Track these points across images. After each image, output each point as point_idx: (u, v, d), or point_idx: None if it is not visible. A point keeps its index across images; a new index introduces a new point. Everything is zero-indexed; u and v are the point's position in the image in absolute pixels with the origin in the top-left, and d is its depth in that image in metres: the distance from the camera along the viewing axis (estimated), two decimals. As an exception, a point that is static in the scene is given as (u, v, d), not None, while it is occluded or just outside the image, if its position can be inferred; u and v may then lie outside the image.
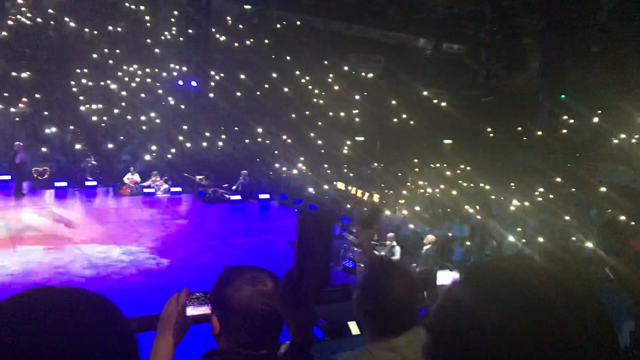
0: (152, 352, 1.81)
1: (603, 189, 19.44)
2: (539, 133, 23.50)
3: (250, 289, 1.77)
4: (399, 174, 22.09)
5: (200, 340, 1.94)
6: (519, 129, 24.65)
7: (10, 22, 24.32)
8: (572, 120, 23.69)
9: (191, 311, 1.86)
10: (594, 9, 24.76)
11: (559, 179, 19.97)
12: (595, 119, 22.92)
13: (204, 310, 1.84)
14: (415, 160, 23.08)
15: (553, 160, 22.00)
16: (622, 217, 15.15)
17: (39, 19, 24.88)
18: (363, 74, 27.42)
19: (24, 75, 23.50)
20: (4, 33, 23.99)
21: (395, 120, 25.61)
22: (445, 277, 10.57)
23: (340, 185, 21.16)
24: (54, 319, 0.93)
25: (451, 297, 1.02)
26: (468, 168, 22.29)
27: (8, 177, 19.83)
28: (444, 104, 26.13)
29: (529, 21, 25.37)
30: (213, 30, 26.85)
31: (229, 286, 1.78)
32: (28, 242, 13.58)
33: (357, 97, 25.85)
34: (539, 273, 1.05)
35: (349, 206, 18.58)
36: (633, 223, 15.61)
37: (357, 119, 25.60)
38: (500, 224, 15.70)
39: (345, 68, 26.94)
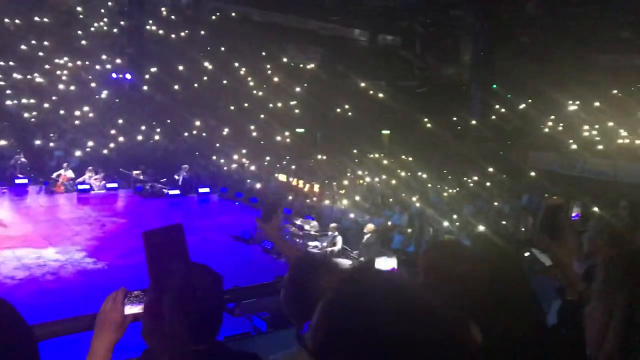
0: (90, 351, 1.81)
1: (533, 174, 20.31)
2: (473, 122, 24.23)
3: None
4: (339, 165, 22.31)
5: (139, 338, 1.94)
6: (454, 118, 25.34)
7: None
8: (503, 110, 24.56)
9: (129, 309, 1.85)
10: (523, 0, 25.69)
11: (490, 168, 20.69)
12: (525, 107, 23.91)
13: (142, 308, 1.84)
14: (355, 151, 23.36)
15: (486, 149, 22.76)
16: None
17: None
18: (302, 65, 27.45)
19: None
20: None
21: (334, 111, 25.79)
22: (383, 264, 10.77)
23: (282, 177, 21.18)
24: None
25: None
26: (406, 158, 22.75)
27: None
28: (381, 95, 26.52)
29: (461, 13, 26.04)
30: (147, 21, 26.19)
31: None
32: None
33: (296, 88, 25.85)
34: (469, 258, 1.12)
35: (290, 198, 18.63)
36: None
37: (296, 111, 25.62)
38: (437, 212, 16.14)
39: (284, 59, 26.87)
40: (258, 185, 20.29)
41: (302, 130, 25.41)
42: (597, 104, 22.38)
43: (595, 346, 1.16)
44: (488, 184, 19.64)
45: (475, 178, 20.15)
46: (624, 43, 22.96)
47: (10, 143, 21.10)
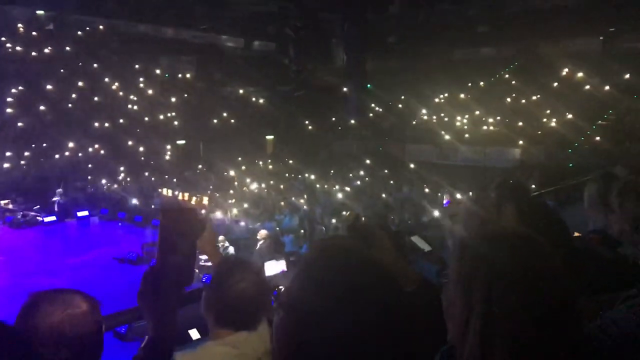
0: None
1: (412, 166, 21.32)
2: (352, 122, 25.00)
3: (60, 314, 1.67)
4: (225, 174, 22.06)
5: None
6: (333, 119, 25.99)
7: None
8: (378, 108, 25.57)
9: None
10: (387, 1, 26.90)
11: (369, 162, 21.48)
12: (398, 104, 25.06)
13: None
14: (240, 159, 23.23)
15: (366, 146, 23.58)
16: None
17: None
18: (179, 75, 26.82)
19: None
20: None
21: (215, 120, 25.47)
22: (273, 268, 10.77)
23: (167, 192, 20.55)
24: None
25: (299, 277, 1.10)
26: (291, 161, 22.97)
27: None
28: (260, 100, 26.59)
29: (331, 16, 26.76)
30: (3, 39, 24.32)
31: (36, 314, 1.66)
32: None
33: (173, 99, 25.22)
34: (352, 252, 1.16)
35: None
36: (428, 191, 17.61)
37: (175, 122, 24.98)
38: (326, 211, 16.46)
39: (157, 71, 26.11)
40: (137, 202, 19.54)
41: (183, 141, 24.83)
42: (462, 95, 23.91)
43: (458, 341, 1.21)
44: (368, 178, 20.36)
45: (360, 174, 20.81)
46: (480, 36, 24.78)
47: None
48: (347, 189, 19.38)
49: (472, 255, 1.22)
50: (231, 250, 13.72)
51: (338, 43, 26.81)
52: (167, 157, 23.49)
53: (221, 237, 13.89)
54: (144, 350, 1.67)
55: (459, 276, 1.22)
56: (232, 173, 21.93)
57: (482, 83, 24.24)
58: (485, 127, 22.63)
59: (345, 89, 26.00)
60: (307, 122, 25.47)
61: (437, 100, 24.63)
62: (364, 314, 1.02)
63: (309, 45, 26.71)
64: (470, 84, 24.09)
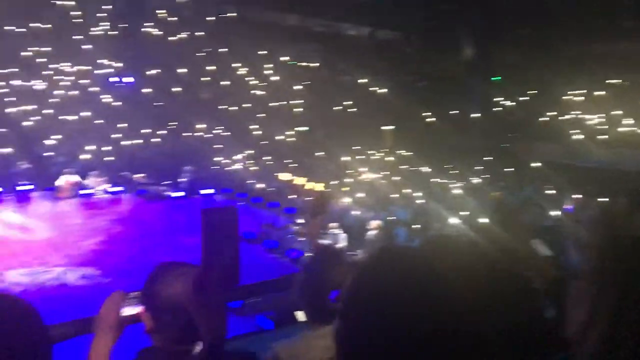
0: (90, 353, 1.84)
1: (537, 166, 20.25)
2: (474, 115, 24.19)
3: (180, 285, 1.78)
4: (342, 162, 22.30)
5: (138, 338, 1.94)
6: (455, 112, 25.29)
7: None
8: (505, 102, 24.50)
9: (127, 311, 1.87)
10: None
11: (490, 158, 20.68)
12: (527, 99, 23.83)
13: (139, 309, 1.85)
14: (357, 148, 23.34)
15: (488, 141, 22.73)
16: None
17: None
18: (301, 63, 27.41)
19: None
20: None
21: (335, 108, 25.77)
22: None
23: (285, 177, 21.18)
24: None
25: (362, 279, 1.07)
26: (408, 153, 22.72)
27: None
28: (381, 90, 26.48)
29: (458, 4, 25.93)
30: (146, 24, 26.18)
31: (159, 283, 1.79)
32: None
33: (297, 87, 25.85)
34: (465, 253, 1.11)
35: (293, 197, 18.64)
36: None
37: (298, 109, 25.61)
38: (441, 206, 16.12)
39: (283, 58, 26.84)
40: (260, 185, 20.30)
41: (304, 128, 25.40)
42: (599, 92, 22.27)
43: (578, 335, 1.13)
44: (488, 176, 19.62)
45: (479, 170, 20.13)
46: (624, 30, 22.82)
47: (14, 150, 21.16)
48: (464, 184, 18.84)
49: (608, 258, 1.14)
50: (343, 236, 13.88)
51: (464, 33, 25.92)
52: (288, 143, 24.15)
53: (334, 223, 14.09)
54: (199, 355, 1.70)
55: (593, 277, 1.15)
56: (349, 161, 22.11)
57: (621, 80, 22.40)
58: (622, 129, 20.98)
59: (469, 81, 25.15)
60: (427, 113, 24.99)
61: (569, 96, 23.14)
62: (414, 328, 0.98)
63: (435, 34, 26.11)
64: (608, 81, 22.34)
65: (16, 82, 23.16)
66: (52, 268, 12.18)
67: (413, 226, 15.20)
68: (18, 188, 19.36)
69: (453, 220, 14.83)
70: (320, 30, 27.04)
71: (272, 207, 18.23)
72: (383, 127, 26.00)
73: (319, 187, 19.43)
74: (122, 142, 22.91)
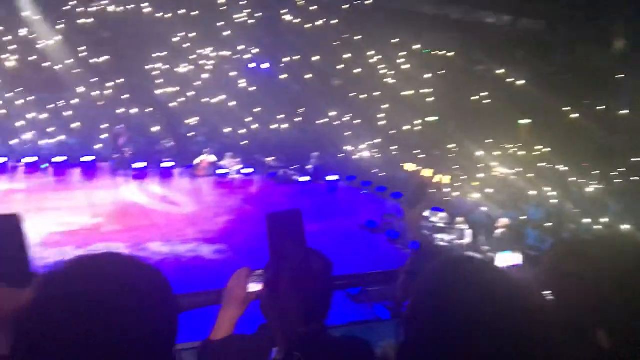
0: (217, 323, 1.95)
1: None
2: (622, 112, 22.24)
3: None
4: (472, 155, 21.57)
5: (259, 314, 2.00)
6: (600, 108, 23.42)
7: (93, 9, 25.39)
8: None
9: (252, 288, 1.94)
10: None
11: (637, 159, 18.91)
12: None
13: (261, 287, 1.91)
14: (490, 141, 22.43)
15: (635, 141, 20.80)
16: None
17: (120, 8, 25.81)
18: (436, 52, 26.79)
19: (103, 59, 24.57)
20: (88, 20, 25.09)
21: (469, 99, 24.92)
22: (506, 260, 10.18)
23: (411, 167, 20.93)
24: (108, 281, 1.01)
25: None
26: (544, 149, 21.44)
27: (92, 158, 20.99)
28: (520, 82, 25.16)
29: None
30: (285, 11, 26.95)
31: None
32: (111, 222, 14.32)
33: (429, 75, 25.32)
34: (600, 259, 1.01)
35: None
36: None
37: (429, 99, 25.12)
38: (578, 208, 15.06)
39: (417, 46, 26.38)
40: (385, 174, 20.24)
41: (434, 119, 24.88)
42: None
43: None
44: (634, 178, 17.97)
45: (623, 172, 18.53)
46: None
47: (160, 129, 22.92)
48: (604, 186, 17.43)
49: None
50: (468, 232, 13.46)
51: (615, 23, 23.83)
52: (416, 132, 23.80)
53: (460, 219, 13.70)
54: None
55: None
56: (480, 155, 21.34)
57: None
58: None
59: (618, 75, 23.11)
60: (568, 108, 23.39)
61: None
62: (474, 337, 0.96)
63: (582, 24, 24.25)
64: None
65: (165, 66, 25.01)
66: (189, 241, 13.06)
67: (545, 226, 14.35)
68: (162, 165, 20.97)
69: (590, 224, 13.82)
70: (458, 18, 26.15)
71: (395, 198, 18.12)
72: (519, 121, 24.76)
73: (446, 179, 18.99)
74: (256, 126, 23.94)
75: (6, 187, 17.64)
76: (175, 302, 1.09)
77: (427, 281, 1.06)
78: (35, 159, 20.63)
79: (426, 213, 14.76)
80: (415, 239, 2.43)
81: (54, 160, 20.70)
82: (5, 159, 20.31)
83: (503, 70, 25.24)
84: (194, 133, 23.60)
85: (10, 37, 23.30)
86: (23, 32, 23.52)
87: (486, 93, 24.64)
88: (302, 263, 1.74)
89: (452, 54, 26.10)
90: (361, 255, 11.82)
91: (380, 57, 26.28)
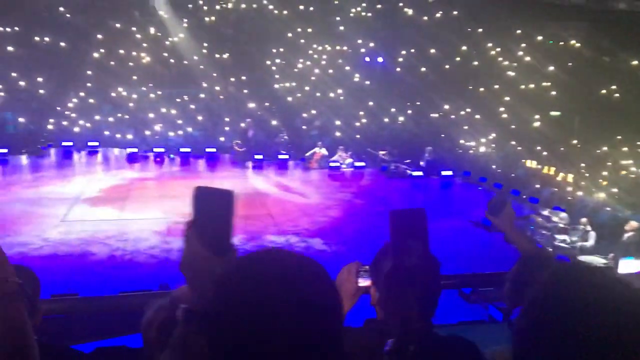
0: None
1: None
2: None
3: (409, 262, 1.79)
4: (599, 153, 20.16)
5: (366, 308, 2.02)
6: None
7: (217, 7, 26.67)
8: None
9: (362, 282, 1.95)
10: None
11: None
12: None
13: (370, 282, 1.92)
14: (619, 137, 20.84)
15: None
16: None
17: (242, 5, 26.88)
18: (561, 43, 25.28)
19: (225, 56, 25.75)
20: (212, 18, 26.41)
21: (597, 93, 23.26)
22: (630, 266, 9.35)
23: (531, 164, 19.97)
24: (282, 278, 1.10)
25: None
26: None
27: (214, 150, 22.19)
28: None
29: None
30: (401, 4, 26.69)
31: (386, 259, 1.82)
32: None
33: (551, 68, 23.95)
34: None
35: (537, 186, 17.51)
36: None
37: (552, 92, 23.77)
38: None
39: (540, 38, 25.03)
40: (502, 170, 19.49)
41: (557, 113, 23.51)
42: None
43: None
44: None
45: None
46: None
47: (278, 123, 23.67)
48: None
49: None
50: (592, 235, 12.66)
51: None
52: (538, 128, 22.65)
53: (584, 220, 12.91)
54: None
55: None
56: (608, 152, 19.90)
57: None
58: None
59: None
60: None
61: None
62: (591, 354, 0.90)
63: None
64: None
65: (282, 62, 25.74)
66: (302, 232, 13.40)
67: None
68: (279, 157, 21.66)
69: None
70: (585, 5, 24.48)
71: (514, 195, 17.39)
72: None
73: (569, 178, 17.93)
74: (369, 119, 23.98)
75: (137, 175, 19.06)
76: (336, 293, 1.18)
77: (541, 289, 1.02)
78: (163, 149, 22.16)
79: (546, 213, 14.06)
80: (512, 242, 2.34)
81: (181, 150, 22.13)
82: (136, 149, 21.99)
83: (636, 62, 23.29)
84: (307, 127, 24.10)
85: (141, 36, 25.09)
86: (153, 30, 25.24)
87: (615, 86, 22.87)
88: (423, 261, 1.74)
89: (578, 44, 24.48)
90: (476, 253, 11.49)
91: (499, 49, 25.26)
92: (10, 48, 23.25)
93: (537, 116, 22.70)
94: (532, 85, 23.84)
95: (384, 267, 1.81)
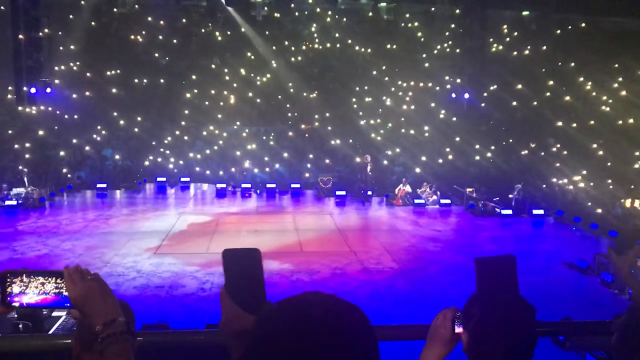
0: (420, 359, 1.93)
1: None
2: None
3: (498, 312, 1.71)
4: None
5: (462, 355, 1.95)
6: None
7: (303, 48, 27.50)
8: None
9: (458, 329, 1.89)
10: None
11: None
12: None
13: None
14: None
15: None
16: None
17: (327, 44, 27.58)
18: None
19: (313, 95, 26.38)
20: (299, 58, 27.23)
21: None
22: None
23: (630, 203, 18.79)
24: (322, 324, 1.09)
25: None
26: None
27: (298, 185, 22.61)
28: None
29: None
30: (489, 40, 26.36)
31: (476, 306, 1.75)
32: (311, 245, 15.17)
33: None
34: None
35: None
36: None
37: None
38: None
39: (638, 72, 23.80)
40: (599, 211, 18.42)
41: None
42: None
43: None
44: None
45: None
46: None
47: (360, 159, 23.78)
48: None
49: None
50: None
51: None
52: (637, 166, 21.38)
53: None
54: None
55: None
56: None
57: None
58: None
59: None
60: None
61: None
62: None
63: None
64: None
65: (368, 99, 26.02)
66: (384, 269, 13.22)
67: None
68: (365, 193, 21.72)
69: None
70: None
71: (612, 236, 16.37)
72: None
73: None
74: (455, 156, 23.59)
75: (225, 210, 19.67)
76: (374, 338, 1.16)
77: None
78: (249, 185, 22.82)
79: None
80: (629, 287, 2.18)
81: (267, 186, 22.72)
82: (224, 185, 22.77)
83: None
84: (393, 162, 24.03)
85: (230, 77, 26.24)
86: (243, 71, 26.34)
87: None
88: (512, 311, 1.67)
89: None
90: (569, 297, 10.88)
91: (593, 83, 24.26)
92: (113, 90, 25.00)
93: (637, 153, 21.46)
94: (631, 120, 22.62)
95: (474, 315, 1.75)
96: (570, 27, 26.43)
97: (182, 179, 23.49)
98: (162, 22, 26.27)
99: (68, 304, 1.55)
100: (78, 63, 24.94)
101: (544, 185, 21.69)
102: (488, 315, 1.66)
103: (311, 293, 1.19)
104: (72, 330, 2.17)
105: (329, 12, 27.17)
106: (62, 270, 1.57)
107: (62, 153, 23.43)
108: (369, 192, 21.81)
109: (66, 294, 1.55)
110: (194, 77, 26.02)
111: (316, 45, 27.64)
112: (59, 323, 7.80)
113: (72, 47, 24.74)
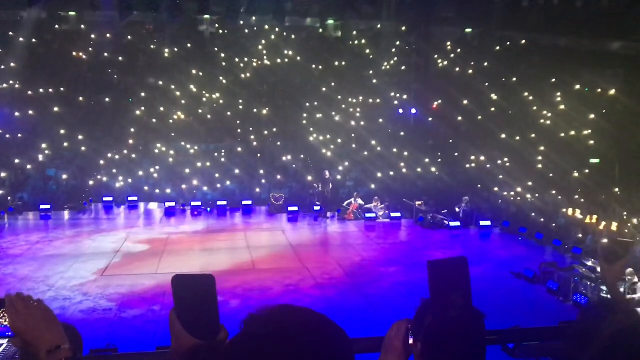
0: None
1: None
2: None
3: (449, 318, 1.73)
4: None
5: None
6: None
7: (253, 64, 27.51)
8: None
9: (412, 340, 1.89)
10: None
11: None
12: None
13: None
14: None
15: None
16: None
17: (277, 60, 27.68)
18: (598, 90, 25.04)
19: (264, 111, 26.36)
20: (248, 74, 27.21)
21: (638, 139, 22.78)
22: None
23: (571, 212, 19.50)
24: (296, 335, 1.10)
25: None
26: None
27: (249, 202, 22.42)
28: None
29: None
30: (434, 56, 27.05)
31: (428, 313, 1.77)
32: (263, 263, 15.04)
33: (591, 116, 23.67)
34: None
35: (579, 236, 17.03)
36: None
37: (591, 141, 23.40)
38: None
39: (577, 86, 24.86)
40: (543, 220, 19.04)
41: (596, 161, 23.07)
42: None
43: None
44: None
45: None
46: None
47: (312, 175, 23.82)
48: None
49: None
50: (642, 286, 12.14)
51: None
52: (576, 176, 22.24)
53: (629, 270, 12.41)
54: None
55: None
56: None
57: None
58: None
59: None
60: None
61: None
62: None
63: None
64: None
65: (318, 115, 26.18)
66: (338, 283, 13.23)
67: None
68: (314, 208, 21.73)
69: None
70: (622, 53, 24.29)
71: (556, 245, 16.93)
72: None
73: (612, 226, 17.38)
74: (404, 170, 23.95)
75: (175, 229, 19.30)
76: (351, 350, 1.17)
77: (615, 343, 0.98)
78: (200, 203, 22.48)
79: (590, 263, 13.59)
80: (614, 298, 2.25)
81: (218, 203, 22.42)
82: (174, 203, 22.35)
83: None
84: (343, 177, 24.19)
85: (179, 94, 25.95)
86: (192, 88, 26.10)
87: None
88: (466, 314, 1.69)
89: (615, 91, 24.20)
90: (517, 305, 11.16)
91: (533, 97, 25.18)
92: (55, 108, 24.28)
93: (577, 165, 22.33)
94: (571, 133, 23.55)
95: (426, 322, 1.76)
96: (509, 43, 27.42)
97: (130, 198, 22.90)
98: (108, 36, 25.82)
99: (9, 333, 1.49)
100: (18, 81, 24.16)
101: (490, 198, 22.26)
102: (439, 321, 1.68)
103: (284, 306, 1.19)
104: (14, 359, 2.07)
105: (277, 29, 27.33)
106: (3, 298, 1.51)
107: (2, 174, 22.52)
108: (327, 212, 21.75)
109: (6, 323, 1.49)
110: (142, 94, 25.58)
111: (265, 62, 27.70)
112: (-1, 352, 7.45)
113: (12, 64, 23.95)
